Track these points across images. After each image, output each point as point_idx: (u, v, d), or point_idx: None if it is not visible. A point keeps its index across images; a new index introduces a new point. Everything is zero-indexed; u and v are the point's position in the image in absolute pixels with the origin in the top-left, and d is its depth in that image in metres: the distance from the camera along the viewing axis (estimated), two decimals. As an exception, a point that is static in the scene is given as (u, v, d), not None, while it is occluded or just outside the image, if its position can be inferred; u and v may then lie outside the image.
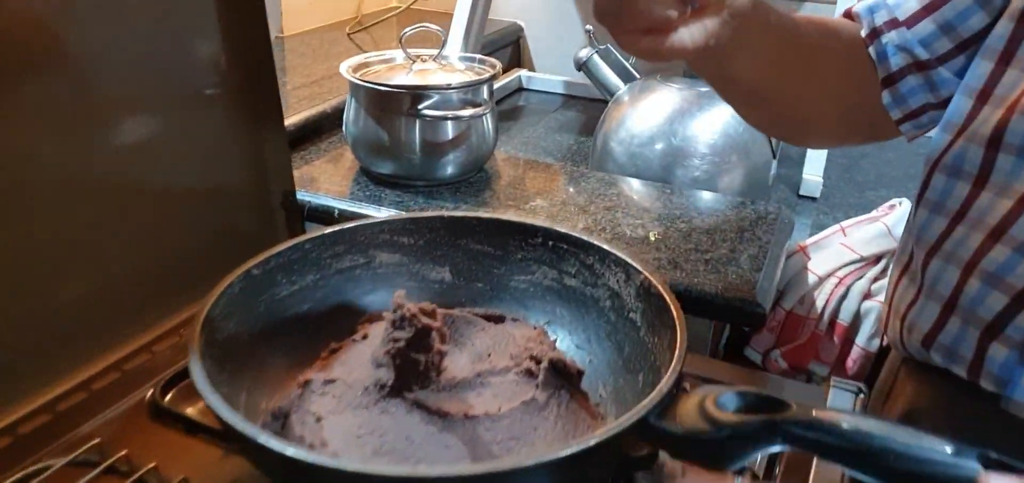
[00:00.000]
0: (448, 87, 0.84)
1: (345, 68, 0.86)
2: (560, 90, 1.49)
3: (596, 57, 1.09)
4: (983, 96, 0.51)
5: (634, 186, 0.93)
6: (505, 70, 1.53)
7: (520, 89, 1.52)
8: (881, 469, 0.39)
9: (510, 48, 1.55)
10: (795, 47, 0.56)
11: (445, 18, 1.26)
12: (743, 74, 0.53)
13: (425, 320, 0.47)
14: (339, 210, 0.84)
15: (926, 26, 0.56)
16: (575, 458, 0.38)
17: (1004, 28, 0.51)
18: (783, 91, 0.58)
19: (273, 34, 1.35)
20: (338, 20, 1.48)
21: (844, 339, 0.83)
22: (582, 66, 1.10)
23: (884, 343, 0.79)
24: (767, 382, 0.66)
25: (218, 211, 0.78)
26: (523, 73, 1.52)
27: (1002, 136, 0.49)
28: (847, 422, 0.39)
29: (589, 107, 1.40)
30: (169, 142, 0.71)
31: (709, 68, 0.54)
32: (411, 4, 1.50)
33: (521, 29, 1.56)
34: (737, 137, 0.98)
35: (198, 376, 0.45)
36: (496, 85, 1.43)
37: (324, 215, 0.84)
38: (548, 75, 1.51)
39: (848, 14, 0.61)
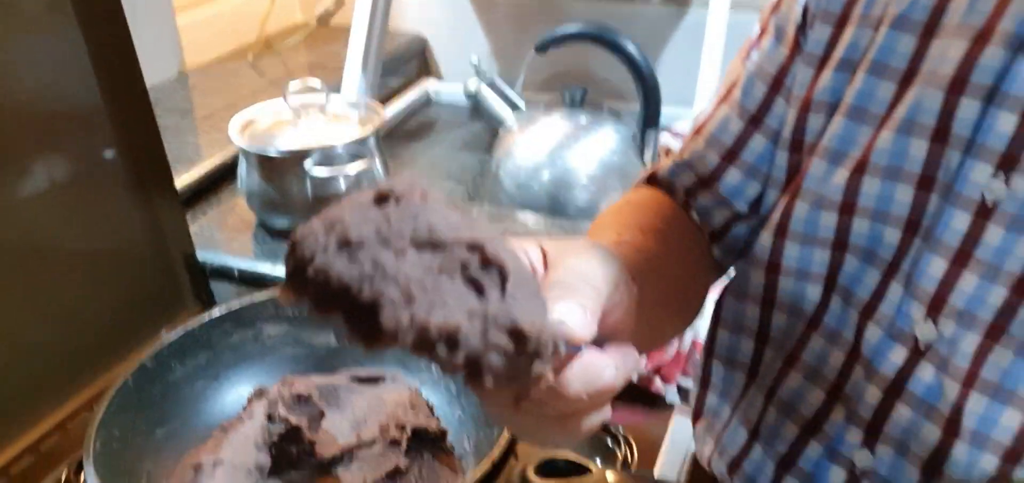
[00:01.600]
0: (332, 146, 0.90)
1: (233, 130, 0.91)
2: (466, 101, 1.55)
3: (484, 89, 1.16)
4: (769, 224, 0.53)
5: (521, 221, 1.01)
6: (413, 81, 1.58)
7: (430, 102, 1.57)
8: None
9: (416, 60, 1.60)
10: (663, 282, 0.50)
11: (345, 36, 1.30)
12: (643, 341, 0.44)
13: (294, 420, 0.55)
14: (239, 270, 0.90)
15: (733, 175, 0.56)
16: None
17: (781, 158, 0.53)
18: (673, 319, 0.57)
19: (176, 69, 1.38)
20: (242, 45, 1.51)
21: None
22: (472, 96, 1.17)
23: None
24: (622, 412, 0.76)
25: (123, 276, 0.84)
26: (430, 85, 1.57)
27: (779, 261, 0.51)
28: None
29: (489, 133, 1.46)
30: (70, 205, 0.76)
31: None
32: (316, 25, 1.54)
33: (425, 40, 1.61)
34: (613, 164, 1.06)
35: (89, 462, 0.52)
36: (403, 104, 1.49)
37: (225, 274, 0.90)
38: (455, 85, 1.56)
39: (654, 181, 0.61)
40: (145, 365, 0.63)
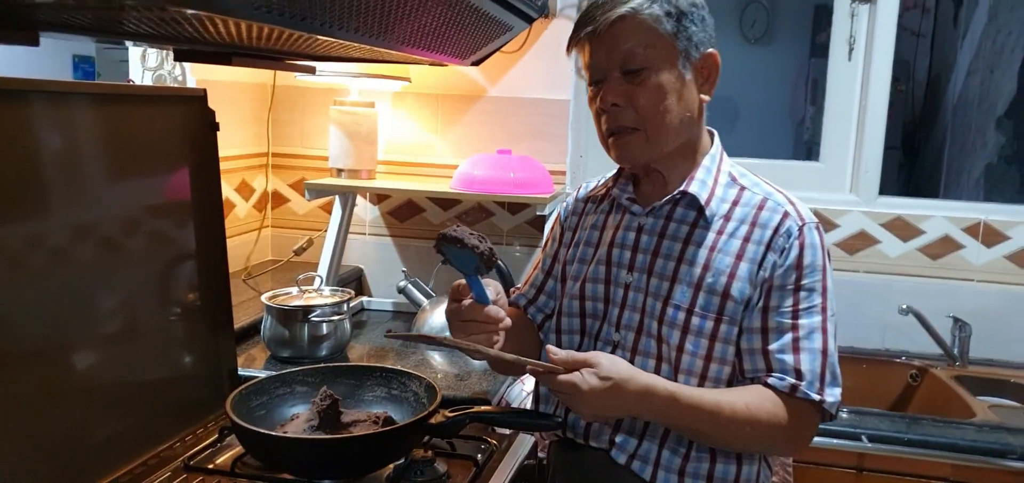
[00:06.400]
0: (324, 306, 1.53)
1: (265, 297, 1.54)
2: (389, 308, 2.20)
3: (409, 285, 1.83)
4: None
5: (432, 354, 1.65)
6: (353, 298, 2.23)
7: (363, 309, 2.21)
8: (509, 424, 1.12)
9: (356, 282, 2.27)
10: (517, 343, 1.21)
11: (309, 266, 1.96)
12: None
13: (335, 395, 1.15)
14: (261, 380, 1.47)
15: (542, 299, 1.31)
16: (388, 434, 1.06)
17: (558, 288, 1.29)
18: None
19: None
20: (233, 272, 2.13)
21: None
22: (401, 291, 1.84)
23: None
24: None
25: (186, 387, 1.38)
26: (364, 298, 2.23)
27: (561, 324, 1.24)
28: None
29: (408, 318, 2.12)
30: (155, 346, 1.32)
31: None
32: (287, 259, 2.20)
33: (362, 270, 2.30)
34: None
35: (235, 418, 1.08)
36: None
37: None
38: (381, 298, 2.23)
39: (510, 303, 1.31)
40: (243, 392, 1.21)
